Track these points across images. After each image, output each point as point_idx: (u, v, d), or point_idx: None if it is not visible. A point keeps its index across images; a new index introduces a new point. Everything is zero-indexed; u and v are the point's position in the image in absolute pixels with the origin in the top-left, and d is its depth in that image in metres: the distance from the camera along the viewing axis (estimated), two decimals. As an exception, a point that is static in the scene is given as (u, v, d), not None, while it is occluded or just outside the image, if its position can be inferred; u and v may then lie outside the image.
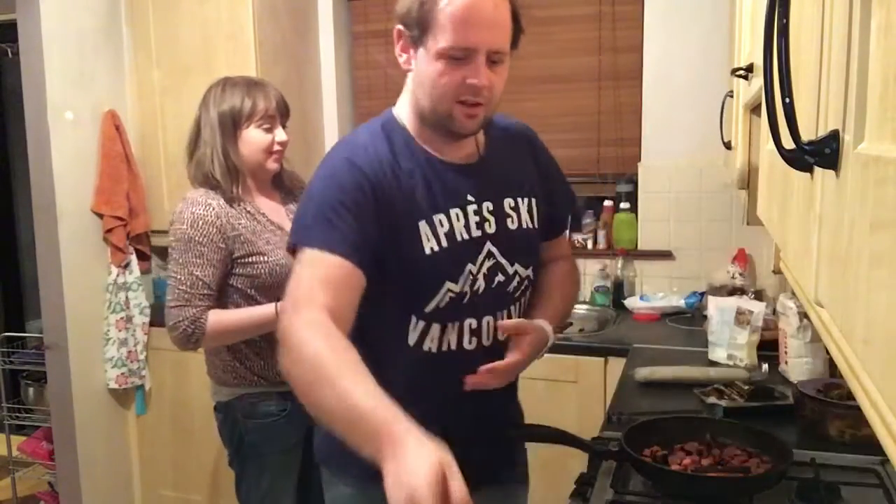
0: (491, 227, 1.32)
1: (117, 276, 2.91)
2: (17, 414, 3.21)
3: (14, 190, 4.33)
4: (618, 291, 2.93)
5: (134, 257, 2.98)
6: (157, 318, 3.02)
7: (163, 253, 3.22)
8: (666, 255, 2.93)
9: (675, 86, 2.87)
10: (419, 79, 1.25)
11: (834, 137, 0.58)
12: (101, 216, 2.89)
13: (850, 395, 1.55)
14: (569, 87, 3.02)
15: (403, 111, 1.32)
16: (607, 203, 3.02)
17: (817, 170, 0.65)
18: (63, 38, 2.75)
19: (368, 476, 1.00)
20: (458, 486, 0.83)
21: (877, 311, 0.47)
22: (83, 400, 2.87)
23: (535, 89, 3.02)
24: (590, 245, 3.03)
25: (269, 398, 1.95)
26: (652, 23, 2.89)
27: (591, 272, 2.98)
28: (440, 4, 1.18)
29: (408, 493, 0.81)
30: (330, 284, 1.15)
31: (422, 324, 1.29)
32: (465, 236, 1.29)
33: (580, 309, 2.93)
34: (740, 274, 2.73)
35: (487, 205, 1.32)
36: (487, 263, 1.31)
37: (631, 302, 2.85)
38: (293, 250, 1.23)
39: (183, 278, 1.82)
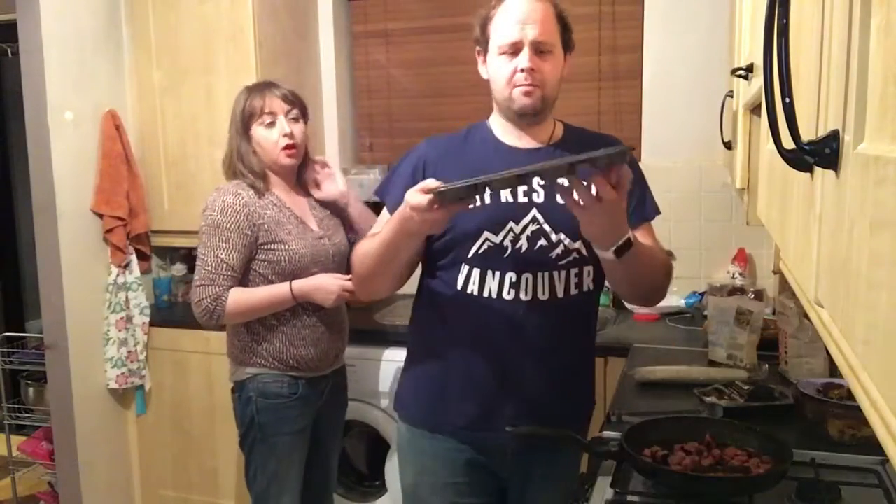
0: (539, 198, 1.53)
1: (117, 276, 2.91)
2: (17, 414, 3.21)
3: (14, 190, 4.33)
4: (618, 291, 2.92)
5: (134, 257, 2.98)
6: (157, 318, 3.02)
7: (162, 253, 3.23)
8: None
9: (675, 86, 2.87)
10: (491, 78, 1.57)
11: (834, 137, 0.58)
12: (101, 216, 2.89)
13: (850, 395, 1.55)
14: (569, 87, 2.98)
15: (493, 116, 1.64)
16: (607, 203, 3.01)
17: (817, 170, 0.65)
18: (63, 38, 2.75)
19: (417, 421, 1.63)
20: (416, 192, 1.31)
21: (877, 311, 0.47)
22: (83, 400, 2.87)
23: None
24: (590, 245, 3.03)
25: (282, 380, 2.08)
26: (652, 23, 2.89)
27: (591, 272, 2.98)
28: (492, 17, 1.53)
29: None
30: None
31: (466, 268, 1.53)
32: (510, 199, 1.53)
33: (580, 309, 2.93)
34: (740, 274, 2.73)
35: (537, 179, 1.49)
36: (531, 227, 1.52)
37: (631, 302, 2.85)
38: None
39: (209, 260, 1.99)
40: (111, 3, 2.96)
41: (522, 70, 1.48)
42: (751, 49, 1.53)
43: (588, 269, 1.56)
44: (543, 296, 1.52)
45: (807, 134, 0.65)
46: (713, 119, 2.39)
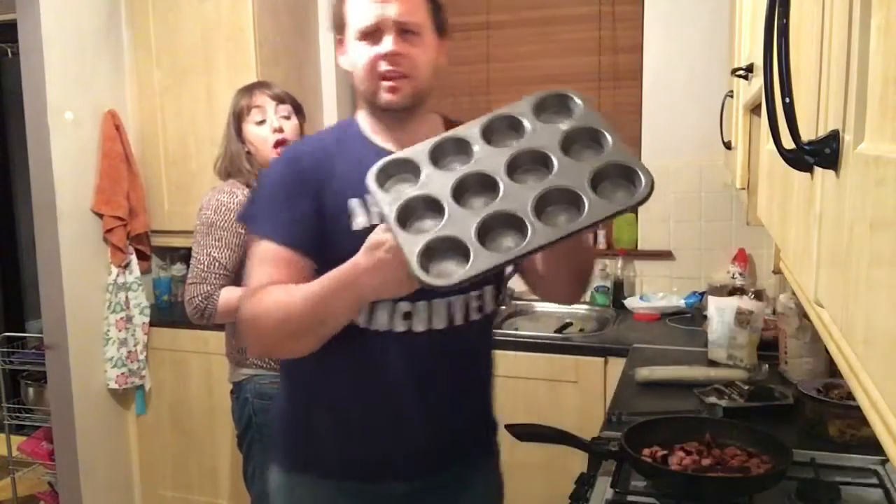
0: None
1: (117, 276, 2.91)
2: (17, 414, 3.21)
3: (14, 190, 4.33)
4: (618, 291, 2.93)
5: (134, 257, 2.98)
6: (157, 318, 3.02)
7: (162, 253, 3.23)
8: (666, 255, 2.93)
9: (675, 86, 2.87)
10: (351, 69, 1.32)
11: (834, 137, 0.58)
12: (101, 216, 2.89)
13: (850, 395, 1.55)
14: (569, 88, 3.01)
15: (361, 113, 1.38)
16: (607, 203, 3.01)
17: (817, 170, 0.65)
18: (63, 38, 2.75)
19: (294, 466, 1.40)
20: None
21: (877, 311, 0.47)
22: (83, 400, 2.86)
23: (535, 89, 3.01)
24: (590, 245, 3.03)
25: (278, 381, 2.05)
26: (652, 23, 2.89)
27: (591, 272, 2.98)
28: None
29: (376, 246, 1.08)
30: (278, 268, 1.26)
31: None
32: None
33: (580, 309, 2.94)
34: (740, 274, 2.73)
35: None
36: None
37: (631, 302, 2.85)
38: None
39: (202, 258, 2.01)
40: (111, 3, 2.96)
41: (385, 56, 1.25)
42: (751, 49, 1.53)
43: (489, 287, 1.37)
44: (440, 325, 1.30)
45: (807, 134, 0.65)
46: (713, 119, 2.39)
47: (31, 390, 3.17)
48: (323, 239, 1.27)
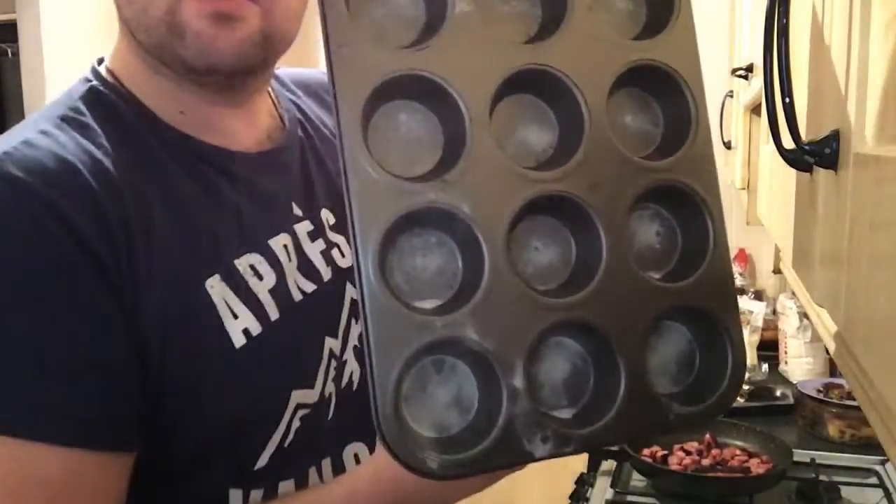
0: (344, 257, 0.70)
1: (117, 276, 2.92)
2: (17, 414, 3.21)
3: (14, 190, 4.34)
4: (618, 291, 2.92)
5: (134, 257, 2.98)
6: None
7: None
8: (666, 255, 2.93)
9: (675, 86, 2.87)
10: None
11: (834, 137, 0.58)
12: (101, 216, 2.90)
13: (850, 395, 1.55)
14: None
15: (125, 68, 0.69)
16: (607, 203, 3.01)
17: (817, 170, 0.65)
18: (63, 38, 2.75)
19: None
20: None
21: (877, 311, 0.47)
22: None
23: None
24: (590, 245, 3.02)
25: None
26: (652, 23, 2.89)
27: (591, 272, 2.98)
28: None
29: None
30: None
31: (253, 494, 0.63)
32: (309, 286, 0.67)
33: (580, 309, 2.93)
34: (740, 274, 2.73)
35: (327, 216, 0.71)
36: (356, 329, 0.69)
37: (631, 302, 2.85)
38: None
39: None
40: (111, 3, 2.97)
41: None
42: (751, 49, 1.53)
43: None
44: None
45: (807, 134, 0.65)
46: (713, 119, 2.39)
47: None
48: (166, 390, 0.58)
